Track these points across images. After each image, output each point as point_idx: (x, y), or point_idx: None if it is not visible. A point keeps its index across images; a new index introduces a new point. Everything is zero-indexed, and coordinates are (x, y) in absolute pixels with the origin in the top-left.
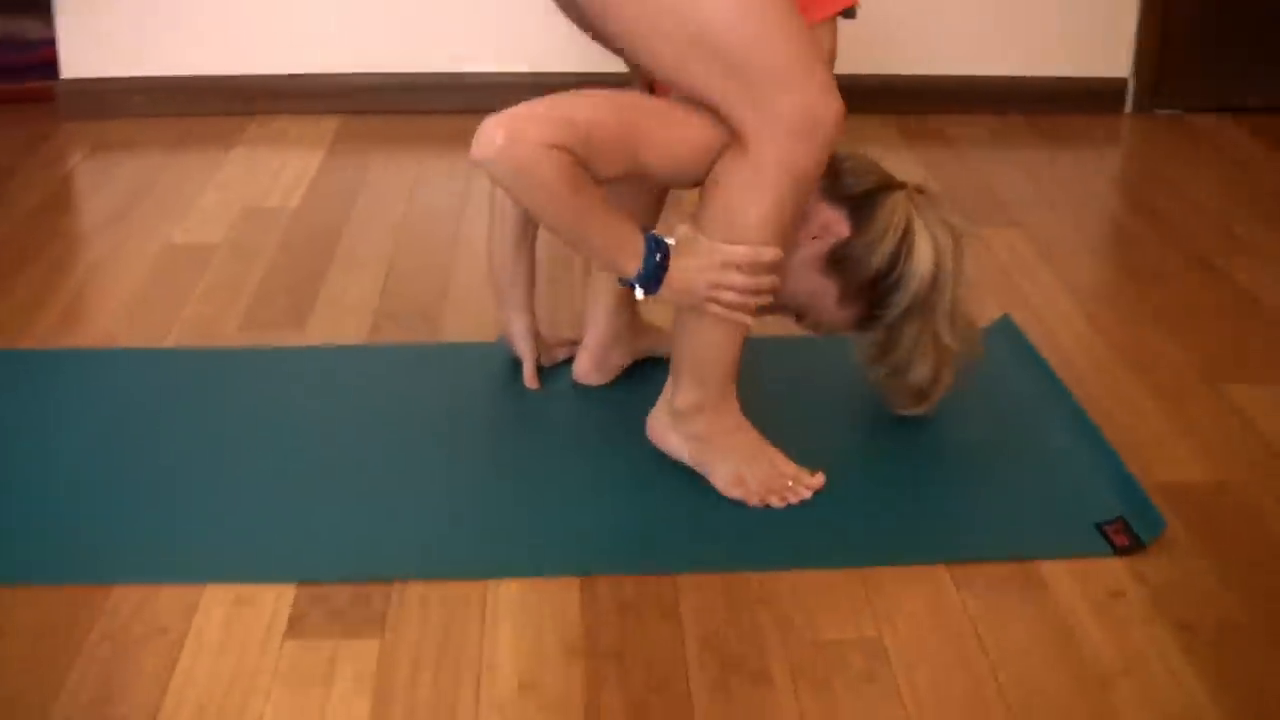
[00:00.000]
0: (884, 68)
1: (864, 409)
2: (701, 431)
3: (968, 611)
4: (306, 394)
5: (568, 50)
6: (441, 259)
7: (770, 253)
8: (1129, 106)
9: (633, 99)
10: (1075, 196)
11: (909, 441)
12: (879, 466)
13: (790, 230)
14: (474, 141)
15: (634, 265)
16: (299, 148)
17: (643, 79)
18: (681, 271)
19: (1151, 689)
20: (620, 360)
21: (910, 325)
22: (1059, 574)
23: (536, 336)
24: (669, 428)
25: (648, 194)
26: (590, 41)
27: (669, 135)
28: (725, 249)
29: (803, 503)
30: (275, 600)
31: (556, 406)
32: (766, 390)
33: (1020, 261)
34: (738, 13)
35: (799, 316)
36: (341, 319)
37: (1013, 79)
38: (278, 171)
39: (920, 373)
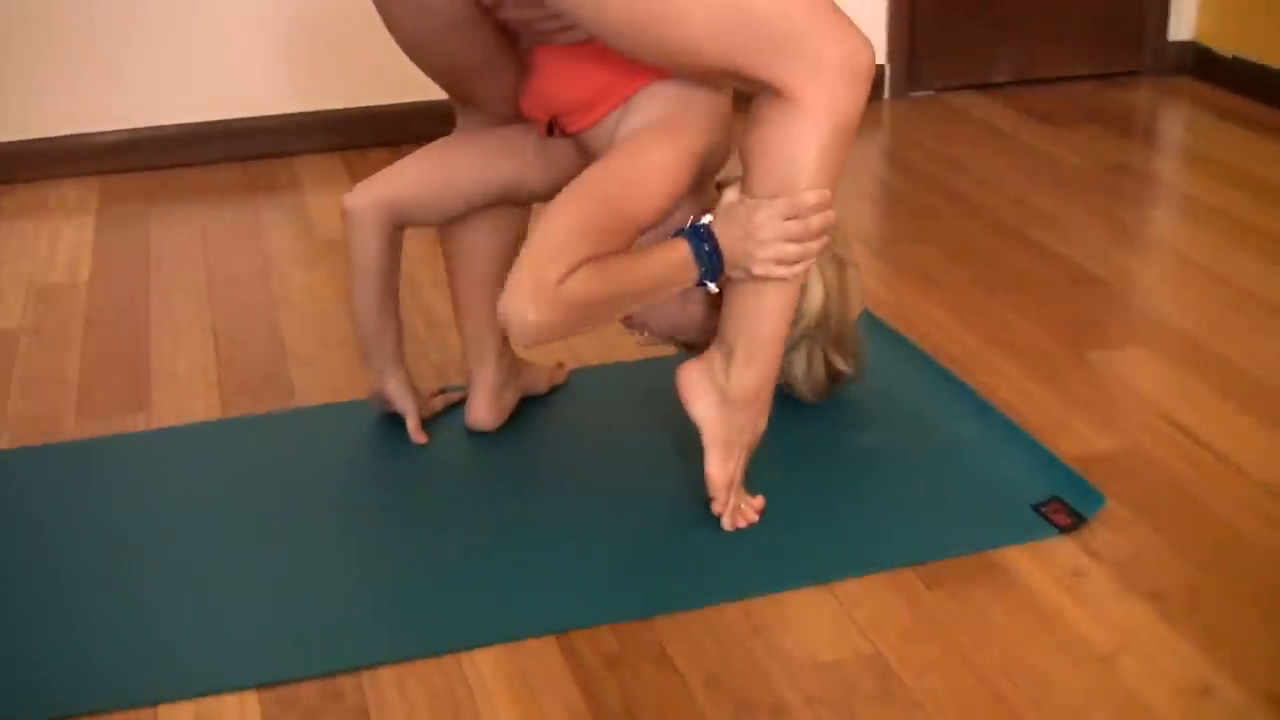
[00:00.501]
0: None
1: (773, 426)
2: (743, 424)
3: (949, 612)
4: (187, 480)
5: (314, 89)
6: (266, 318)
7: (814, 195)
8: (887, 92)
9: (589, 185)
10: (868, 186)
11: (827, 453)
12: (807, 482)
13: (840, 177)
14: (510, 329)
15: (693, 273)
16: (64, 216)
17: (496, 114)
18: (732, 242)
19: (1151, 662)
20: (511, 400)
21: (798, 352)
22: (1017, 561)
23: (413, 390)
24: (708, 393)
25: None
26: (366, 77)
27: (644, 176)
28: (767, 203)
29: (750, 525)
30: (240, 710)
31: (456, 458)
32: (677, 413)
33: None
34: None
35: (691, 348)
36: (186, 395)
37: None
38: (52, 243)
39: (812, 383)
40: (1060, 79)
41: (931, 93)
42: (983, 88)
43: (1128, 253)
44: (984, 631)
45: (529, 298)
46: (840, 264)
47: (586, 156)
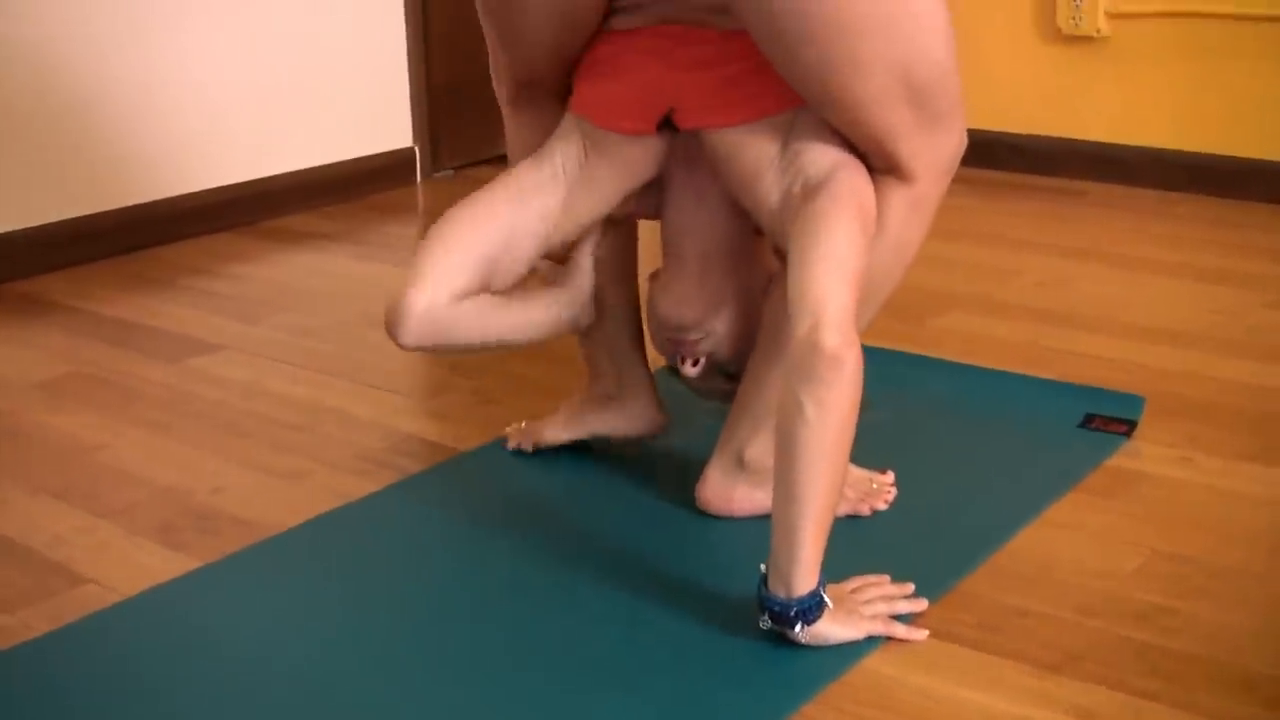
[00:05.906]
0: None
1: None
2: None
3: (1144, 513)
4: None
5: None
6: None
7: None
8: (420, 174)
9: (852, 257)
10: None
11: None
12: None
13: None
14: (818, 374)
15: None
16: None
17: (554, 96)
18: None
19: None
20: None
21: None
22: (1129, 471)
23: None
24: (735, 484)
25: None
26: None
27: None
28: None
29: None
30: None
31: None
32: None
33: None
34: (942, 48)
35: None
36: (130, 561)
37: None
38: None
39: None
40: None
41: (450, 172)
42: (494, 161)
43: None
44: (1170, 530)
45: (850, 349)
46: None
47: (680, 161)
